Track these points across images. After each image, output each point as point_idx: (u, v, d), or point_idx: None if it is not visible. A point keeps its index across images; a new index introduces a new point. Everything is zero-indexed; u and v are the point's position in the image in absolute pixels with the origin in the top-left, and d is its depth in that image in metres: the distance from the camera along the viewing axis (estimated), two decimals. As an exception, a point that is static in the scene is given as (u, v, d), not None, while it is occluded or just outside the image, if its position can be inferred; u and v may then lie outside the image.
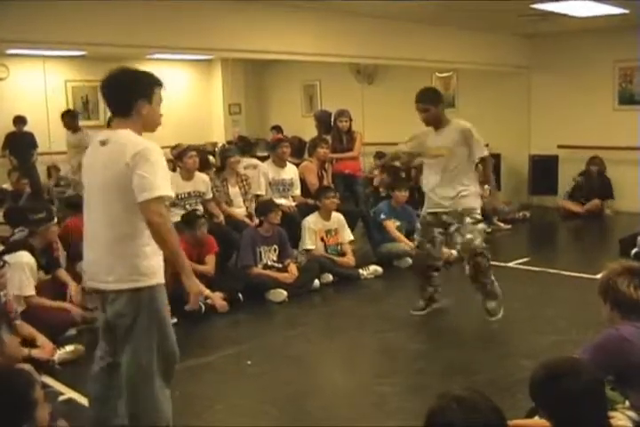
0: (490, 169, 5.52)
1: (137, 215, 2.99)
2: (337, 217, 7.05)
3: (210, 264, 6.04)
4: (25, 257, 4.97)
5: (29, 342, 4.44)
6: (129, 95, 3.09)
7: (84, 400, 3.86)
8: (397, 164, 7.59)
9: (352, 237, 7.17)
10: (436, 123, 5.25)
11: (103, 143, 3.09)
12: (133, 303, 3.05)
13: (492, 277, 5.33)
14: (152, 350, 3.11)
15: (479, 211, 5.31)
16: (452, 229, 5.26)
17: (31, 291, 4.92)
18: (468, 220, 5.19)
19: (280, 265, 6.45)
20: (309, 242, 6.82)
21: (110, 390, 3.28)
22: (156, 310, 3.11)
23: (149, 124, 3.17)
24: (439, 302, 5.66)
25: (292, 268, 6.40)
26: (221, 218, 6.78)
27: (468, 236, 5.18)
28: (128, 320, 3.06)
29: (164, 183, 2.99)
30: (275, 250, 6.49)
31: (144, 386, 3.12)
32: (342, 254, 6.96)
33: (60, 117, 9.98)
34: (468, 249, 5.22)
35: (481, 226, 5.30)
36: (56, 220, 5.47)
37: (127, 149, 2.97)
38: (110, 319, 3.13)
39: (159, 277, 3.12)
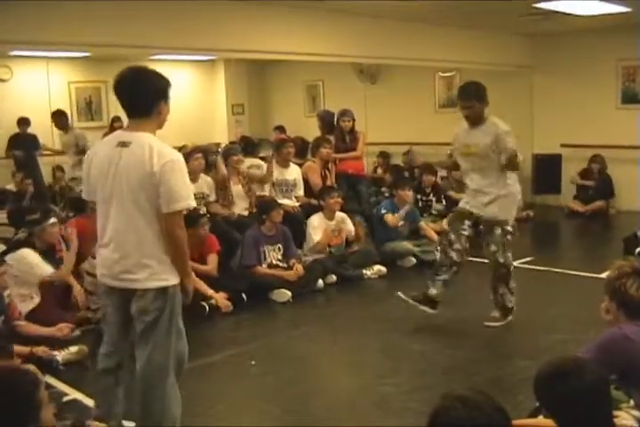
0: (515, 165, 5.07)
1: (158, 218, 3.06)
2: (340, 216, 7.07)
3: (212, 264, 6.05)
4: (24, 252, 5.00)
5: (33, 342, 4.45)
6: (152, 96, 3.11)
7: (88, 401, 3.88)
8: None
9: (353, 228, 7.24)
10: (475, 120, 5.04)
11: (124, 144, 3.08)
12: (159, 301, 3.11)
13: (510, 288, 5.22)
14: (169, 349, 3.16)
15: (512, 221, 5.15)
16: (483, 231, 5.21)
17: (50, 270, 5.05)
18: (498, 231, 5.06)
19: (285, 265, 6.46)
20: (316, 237, 6.85)
21: (116, 387, 3.32)
22: (176, 308, 3.18)
23: (162, 124, 3.22)
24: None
25: (298, 266, 6.40)
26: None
27: (493, 248, 5.11)
28: (152, 317, 3.11)
29: (189, 194, 3.09)
30: (279, 249, 6.50)
31: (158, 383, 3.16)
32: (345, 255, 6.98)
33: (50, 118, 10.04)
34: (492, 261, 5.18)
35: (509, 237, 5.13)
36: (55, 220, 5.45)
37: (154, 156, 2.99)
38: (134, 314, 3.16)
39: (178, 277, 3.18)
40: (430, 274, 5.35)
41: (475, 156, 5.04)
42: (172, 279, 3.14)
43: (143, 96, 3.11)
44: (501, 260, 5.13)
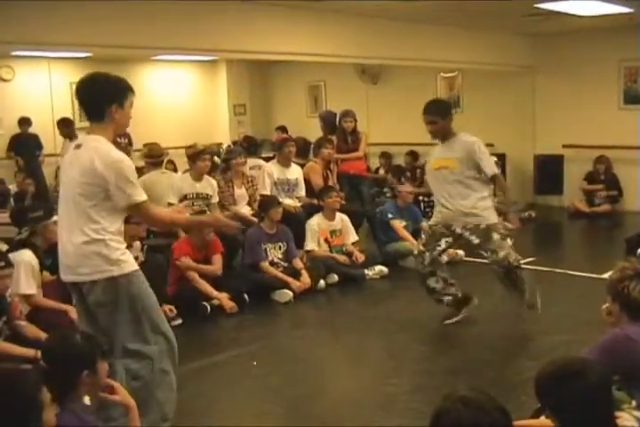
0: (503, 186, 5.40)
1: (102, 215, 3.18)
2: (341, 218, 7.06)
3: (217, 264, 6.05)
4: (25, 256, 4.97)
5: (34, 343, 4.45)
6: (102, 101, 3.23)
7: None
8: None
9: (357, 238, 7.19)
10: (443, 135, 5.17)
11: (78, 147, 3.26)
12: (110, 292, 3.20)
13: (523, 277, 5.24)
14: (143, 336, 3.23)
15: (500, 225, 5.19)
16: (474, 243, 5.14)
17: (31, 290, 4.90)
18: (495, 236, 5.06)
19: (286, 264, 6.46)
20: (312, 243, 6.82)
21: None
22: (136, 295, 3.24)
23: (120, 128, 3.35)
24: (469, 302, 5.42)
25: (305, 276, 6.38)
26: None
27: (502, 253, 5.06)
28: (109, 308, 3.21)
29: (135, 191, 3.21)
30: (280, 248, 6.50)
31: (140, 369, 3.24)
32: (348, 255, 6.96)
33: (57, 126, 9.98)
34: (505, 266, 5.13)
35: (510, 242, 5.18)
36: (57, 218, 5.45)
37: (95, 158, 3.13)
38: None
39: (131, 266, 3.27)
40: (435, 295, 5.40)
41: (447, 169, 5.10)
42: (116, 270, 3.20)
43: (92, 102, 3.27)
44: (516, 263, 5.13)
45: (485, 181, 5.12)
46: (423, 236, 5.60)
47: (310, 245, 6.83)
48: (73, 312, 5.02)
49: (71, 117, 11.57)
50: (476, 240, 5.11)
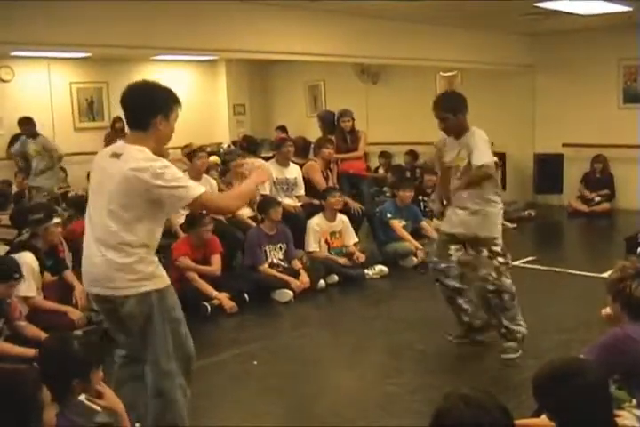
0: (472, 177, 4.51)
1: (139, 228, 3.09)
2: (341, 219, 7.06)
3: (216, 264, 6.05)
4: (26, 258, 4.97)
5: (34, 343, 4.45)
6: (147, 111, 3.13)
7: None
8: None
9: (357, 239, 7.18)
10: (457, 132, 4.64)
11: (116, 155, 3.11)
12: (143, 306, 3.12)
13: (515, 317, 4.63)
14: (167, 351, 3.19)
15: (500, 240, 4.59)
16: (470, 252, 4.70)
17: (31, 292, 4.90)
18: (484, 252, 4.55)
19: (286, 264, 6.46)
20: (314, 244, 6.82)
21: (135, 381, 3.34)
22: (167, 310, 3.18)
23: (162, 140, 3.22)
24: (483, 332, 4.91)
25: (304, 276, 6.38)
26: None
27: (483, 271, 4.58)
28: (140, 321, 3.15)
29: (188, 187, 3.08)
30: (280, 248, 6.50)
31: (164, 386, 3.21)
32: (348, 256, 6.95)
33: (17, 125, 9.68)
34: (479, 286, 4.68)
35: (501, 260, 4.56)
36: (58, 220, 5.44)
37: (136, 163, 3.02)
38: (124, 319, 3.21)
39: (165, 280, 3.20)
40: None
41: (458, 169, 4.62)
42: (151, 284, 3.13)
43: (138, 111, 3.16)
44: (490, 287, 4.58)
45: (494, 182, 4.64)
46: (434, 245, 5.12)
47: (312, 246, 6.82)
48: (73, 313, 5.05)
49: (70, 117, 11.64)
50: (471, 251, 4.69)
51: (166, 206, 3.14)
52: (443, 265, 4.77)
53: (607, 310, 3.10)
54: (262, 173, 3.44)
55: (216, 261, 6.07)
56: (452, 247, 4.75)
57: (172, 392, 3.21)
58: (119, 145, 3.20)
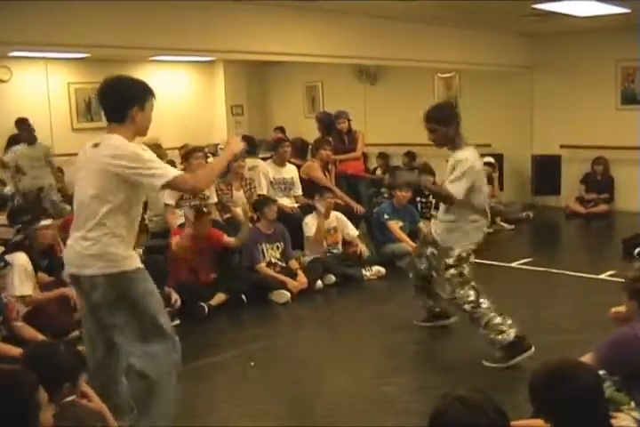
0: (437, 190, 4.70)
1: (114, 213, 3.17)
2: (336, 215, 7.08)
3: (229, 239, 6.11)
4: (20, 259, 4.96)
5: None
6: (124, 103, 3.26)
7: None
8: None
9: (357, 232, 7.27)
10: (448, 145, 4.59)
11: (96, 145, 3.25)
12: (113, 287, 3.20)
13: (490, 323, 4.50)
14: (144, 334, 3.23)
15: (456, 253, 4.53)
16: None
17: (27, 291, 4.90)
18: (443, 262, 4.63)
19: (284, 264, 6.46)
20: (311, 232, 6.86)
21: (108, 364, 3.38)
22: (139, 292, 3.23)
23: (140, 130, 3.34)
24: (445, 318, 5.24)
25: (302, 276, 6.39)
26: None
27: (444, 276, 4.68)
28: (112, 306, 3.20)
29: (166, 166, 3.22)
30: (277, 248, 6.50)
31: (149, 372, 3.23)
32: (352, 247, 7.04)
33: (15, 125, 9.68)
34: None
35: (452, 272, 4.54)
36: (48, 222, 5.42)
37: (113, 149, 3.15)
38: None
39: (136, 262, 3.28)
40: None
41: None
42: (120, 266, 3.19)
43: (113, 103, 3.29)
44: (444, 295, 4.76)
45: (470, 199, 4.51)
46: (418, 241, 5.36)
47: (311, 231, 6.84)
48: (69, 292, 4.97)
49: (68, 118, 11.63)
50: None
51: (145, 188, 3.28)
52: (416, 259, 5.06)
53: (618, 309, 3.14)
54: (234, 146, 3.53)
55: (226, 238, 6.11)
56: (430, 248, 4.90)
57: (154, 375, 3.23)
58: (100, 136, 3.32)
